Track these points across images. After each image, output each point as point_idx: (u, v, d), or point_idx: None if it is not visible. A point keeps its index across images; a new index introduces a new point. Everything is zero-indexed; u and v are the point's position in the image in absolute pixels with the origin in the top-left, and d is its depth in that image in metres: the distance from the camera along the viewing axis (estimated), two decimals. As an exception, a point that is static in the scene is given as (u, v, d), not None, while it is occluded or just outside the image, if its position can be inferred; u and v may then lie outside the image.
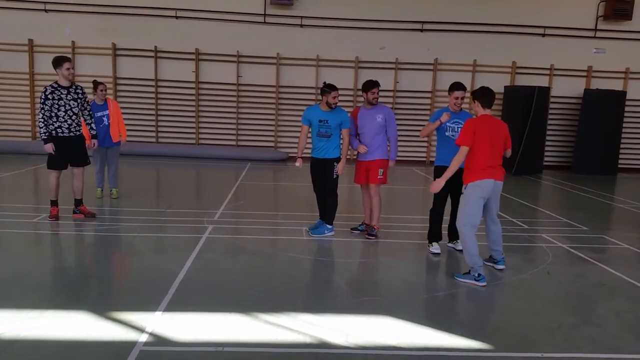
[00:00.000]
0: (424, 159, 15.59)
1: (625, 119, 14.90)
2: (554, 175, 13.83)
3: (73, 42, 14.46)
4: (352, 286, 5.06)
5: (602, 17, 15.13)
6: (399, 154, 15.25)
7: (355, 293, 4.83)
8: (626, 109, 14.85)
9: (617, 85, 15.32)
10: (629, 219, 8.80)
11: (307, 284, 5.08)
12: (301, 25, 14.85)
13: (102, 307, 4.04)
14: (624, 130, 14.97)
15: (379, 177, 6.40)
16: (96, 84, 8.21)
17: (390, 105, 14.93)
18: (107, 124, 8.09)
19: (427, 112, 15.36)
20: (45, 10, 14.33)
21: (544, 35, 15.23)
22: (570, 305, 4.64)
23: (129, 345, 3.43)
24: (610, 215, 9.29)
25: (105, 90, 8.23)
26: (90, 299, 4.33)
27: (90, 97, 8.00)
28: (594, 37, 15.33)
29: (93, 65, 14.50)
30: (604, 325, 4.16)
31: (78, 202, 6.96)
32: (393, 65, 15.11)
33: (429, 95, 15.34)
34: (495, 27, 15.08)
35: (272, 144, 15.33)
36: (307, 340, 3.63)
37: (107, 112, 8.11)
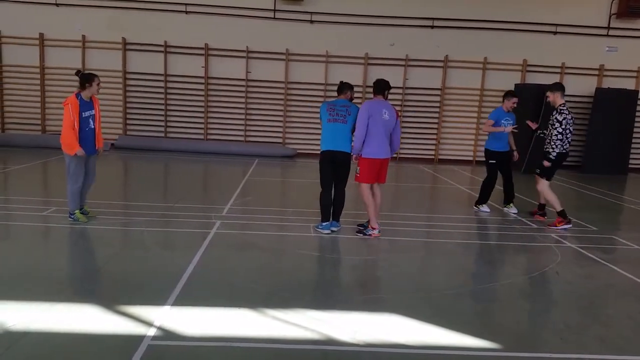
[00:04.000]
0: (432, 157, 15.53)
1: (637, 119, 14.76)
2: (564, 174, 13.69)
3: (83, 37, 14.52)
4: (359, 283, 5.06)
5: (615, 15, 14.96)
6: (407, 150, 15.44)
7: (363, 290, 4.83)
8: (638, 108, 14.70)
9: (629, 84, 15.15)
10: (639, 219, 8.74)
11: (315, 281, 5.09)
12: (311, 21, 14.81)
13: (111, 300, 4.06)
14: (635, 129, 14.84)
15: (356, 173, 6.37)
16: (91, 76, 6.37)
17: (399, 102, 14.88)
18: (93, 127, 6.44)
19: (437, 110, 15.31)
20: (56, 4, 14.39)
21: (555, 33, 15.09)
22: (579, 305, 4.61)
23: (137, 339, 3.45)
24: (620, 216, 9.21)
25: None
26: (99, 292, 4.36)
27: (75, 90, 6.51)
28: (607, 35, 15.18)
29: (103, 60, 14.56)
30: (613, 326, 4.13)
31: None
32: (403, 62, 15.05)
33: (438, 92, 15.26)
34: (506, 25, 14.96)
35: (280, 140, 15.33)
36: (315, 337, 3.63)
37: (93, 112, 6.44)
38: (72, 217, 6.41)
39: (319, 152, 6.56)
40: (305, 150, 14.86)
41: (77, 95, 6.27)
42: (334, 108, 6.40)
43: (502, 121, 8.10)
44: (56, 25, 14.46)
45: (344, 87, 6.60)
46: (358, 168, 6.35)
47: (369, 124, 6.14)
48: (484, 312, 4.40)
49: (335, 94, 6.76)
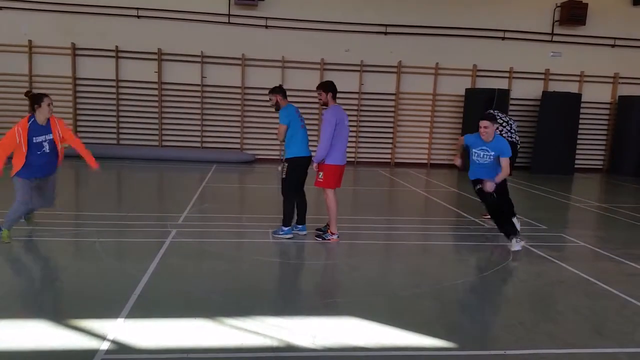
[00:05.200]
0: (389, 161, 15.75)
1: (580, 121, 15.46)
2: (513, 175, 14.14)
3: (30, 42, 13.97)
4: (318, 288, 5.07)
5: (558, 21, 15.65)
6: (364, 154, 15.64)
7: (321, 295, 4.84)
8: (581, 110, 15.40)
9: (572, 87, 15.87)
10: (585, 217, 9.13)
11: (273, 287, 5.06)
12: (266, 27, 14.79)
13: (62, 315, 3.91)
14: (580, 131, 15.53)
15: (318, 179, 6.35)
16: (39, 97, 5.80)
17: (356, 107, 15.03)
18: (47, 151, 5.86)
19: (392, 114, 15.56)
20: (0, 7, 13.82)
21: (503, 38, 15.63)
22: (531, 302, 4.77)
23: (90, 354, 3.33)
24: (568, 214, 9.61)
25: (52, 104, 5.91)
26: (49, 307, 4.19)
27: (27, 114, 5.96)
28: (551, 41, 15.86)
29: (51, 66, 14.06)
30: (562, 321, 4.29)
31: None
32: (358, 68, 15.23)
33: (392, 97, 15.52)
34: (457, 31, 15.40)
35: (238, 146, 15.20)
36: (275, 344, 3.61)
37: (50, 136, 5.86)
38: None
39: (278, 157, 6.55)
40: (264, 155, 14.78)
41: (30, 117, 5.75)
42: (299, 113, 6.44)
43: (475, 150, 6.54)
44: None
45: (285, 92, 6.62)
46: (321, 173, 6.30)
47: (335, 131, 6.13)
48: (440, 311, 4.49)
49: (292, 99, 6.77)
